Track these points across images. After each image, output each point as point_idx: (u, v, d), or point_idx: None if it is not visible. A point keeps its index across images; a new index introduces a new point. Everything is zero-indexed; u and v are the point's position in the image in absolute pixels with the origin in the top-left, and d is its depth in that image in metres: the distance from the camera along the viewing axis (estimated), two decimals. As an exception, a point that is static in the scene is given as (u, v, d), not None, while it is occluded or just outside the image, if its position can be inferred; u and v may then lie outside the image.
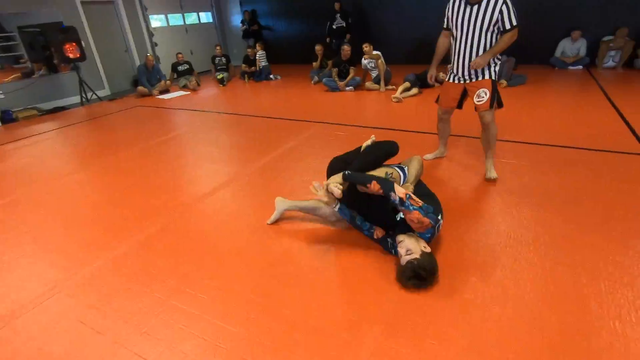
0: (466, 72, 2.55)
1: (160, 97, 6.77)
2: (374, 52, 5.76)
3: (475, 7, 2.33)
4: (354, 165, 2.12)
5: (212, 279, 1.88)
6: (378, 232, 1.97)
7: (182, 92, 7.00)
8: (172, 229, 2.37)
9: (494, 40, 2.39)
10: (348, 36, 7.40)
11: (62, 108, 6.41)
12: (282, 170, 3.15)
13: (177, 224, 2.42)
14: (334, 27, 7.53)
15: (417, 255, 1.69)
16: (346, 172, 1.91)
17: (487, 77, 2.50)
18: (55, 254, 2.22)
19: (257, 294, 1.76)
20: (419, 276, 1.65)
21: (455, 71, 2.63)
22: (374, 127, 4.13)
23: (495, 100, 2.53)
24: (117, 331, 1.61)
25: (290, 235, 2.23)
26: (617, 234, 2.00)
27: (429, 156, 3.19)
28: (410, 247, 1.74)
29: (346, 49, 5.98)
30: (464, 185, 2.67)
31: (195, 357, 1.46)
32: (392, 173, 2.02)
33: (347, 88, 5.98)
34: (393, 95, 5.20)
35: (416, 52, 7.80)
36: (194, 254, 2.10)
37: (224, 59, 7.81)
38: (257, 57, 7.53)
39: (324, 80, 6.18)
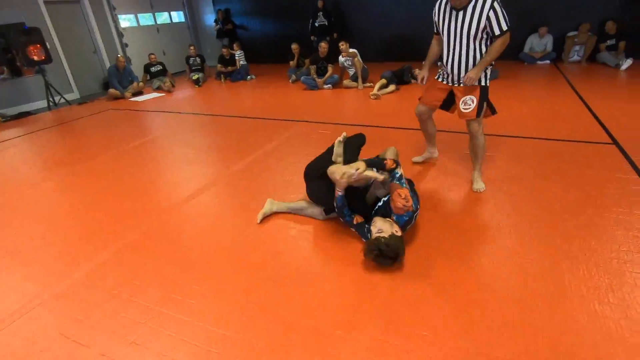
0: (455, 77, 2.37)
1: (133, 99, 6.56)
2: (351, 50, 5.79)
3: (461, 13, 2.16)
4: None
5: (200, 284, 1.85)
6: (358, 218, 2.02)
7: (156, 94, 6.81)
8: (153, 234, 2.31)
9: (483, 47, 2.23)
10: (335, 35, 7.37)
11: (28, 113, 6.09)
12: (264, 170, 3.12)
13: (158, 229, 2.36)
14: (317, 24, 7.52)
15: (386, 235, 1.78)
16: (368, 159, 2.05)
17: (475, 82, 2.30)
18: (30, 266, 2.11)
19: (248, 296, 1.74)
20: (382, 252, 1.72)
21: (444, 73, 2.47)
22: (354, 125, 4.15)
23: (486, 108, 2.39)
24: (103, 343, 1.55)
25: (277, 235, 2.22)
26: (591, 220, 2.10)
27: (417, 159, 3.03)
28: (382, 228, 1.83)
29: (324, 46, 5.99)
30: (450, 191, 2.59)
31: (188, 364, 1.43)
32: (358, 169, 2.04)
33: (326, 86, 5.99)
34: (371, 93, 5.24)
35: (391, 50, 7.90)
36: (178, 259, 2.05)
37: (198, 59, 7.65)
38: (236, 57, 7.43)
39: (302, 78, 6.16)
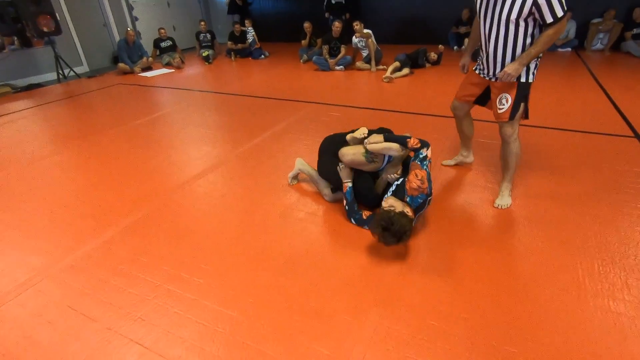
0: (491, 70, 2.02)
1: (143, 74, 6.49)
2: (365, 31, 5.62)
3: None
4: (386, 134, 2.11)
5: (208, 263, 1.84)
6: (366, 212, 1.98)
7: (165, 70, 6.73)
8: (160, 213, 2.30)
9: (528, 36, 1.81)
10: (348, 15, 7.16)
11: (38, 85, 6.07)
12: (274, 152, 3.07)
13: (166, 208, 2.34)
14: (333, 2, 7.29)
15: (396, 211, 1.73)
16: (386, 134, 1.99)
17: (513, 79, 1.93)
18: (38, 240, 2.12)
19: (255, 277, 1.73)
20: (389, 228, 1.64)
21: (481, 64, 2.11)
22: (367, 108, 4.06)
23: (521, 111, 2.00)
24: (110, 317, 1.56)
25: (285, 218, 2.19)
26: (608, 215, 2.04)
27: (448, 162, 2.67)
28: (394, 205, 1.78)
29: (337, 25, 5.81)
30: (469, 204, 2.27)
31: (194, 342, 1.43)
32: (367, 135, 2.00)
33: (338, 67, 5.85)
34: (384, 76, 5.11)
35: (405, 32, 7.68)
36: (186, 239, 2.04)
37: (208, 36, 7.51)
38: (248, 34, 7.30)
39: (314, 58, 6.02)
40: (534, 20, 1.77)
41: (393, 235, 1.65)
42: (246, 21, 7.48)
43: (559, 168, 2.55)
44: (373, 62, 5.70)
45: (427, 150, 1.91)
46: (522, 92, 1.95)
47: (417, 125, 3.50)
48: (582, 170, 2.50)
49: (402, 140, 1.93)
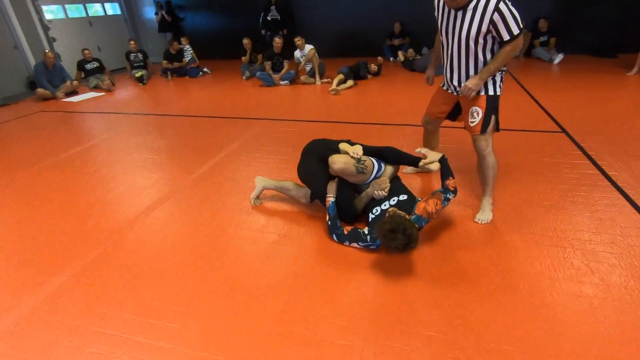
0: (455, 83, 2.04)
1: (67, 99, 5.88)
2: (307, 46, 5.69)
3: (460, 13, 1.81)
4: (391, 154, 2.14)
5: (178, 304, 1.65)
6: (347, 227, 1.93)
7: (93, 94, 6.17)
8: (113, 254, 2.04)
9: (487, 53, 1.85)
10: (285, 31, 7.19)
11: None
12: (232, 173, 2.92)
13: (119, 248, 2.09)
14: (269, 18, 7.28)
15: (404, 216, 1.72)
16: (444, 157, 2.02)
17: (482, 92, 1.95)
18: (-41, 302, 1.75)
19: (233, 311, 1.59)
20: (395, 229, 1.59)
21: (446, 80, 2.14)
22: (320, 121, 4.07)
23: (492, 123, 2.00)
24: (69, 387, 1.32)
25: (256, 244, 2.06)
26: (557, 206, 2.22)
27: (408, 170, 2.70)
28: (401, 214, 1.76)
29: (278, 41, 5.81)
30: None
31: (178, 399, 1.26)
32: (365, 161, 1.97)
33: (283, 82, 5.83)
34: (330, 88, 5.19)
35: (342, 45, 7.92)
36: (147, 280, 1.82)
37: (140, 55, 7.08)
38: (185, 52, 7.02)
39: (257, 74, 5.94)
40: (493, 37, 1.80)
41: (405, 236, 1.57)
42: (182, 39, 7.19)
43: (509, 167, 2.74)
44: (317, 76, 5.78)
45: (453, 197, 1.96)
46: (492, 105, 1.97)
47: (372, 134, 3.57)
48: (528, 166, 2.72)
49: (446, 177, 1.98)
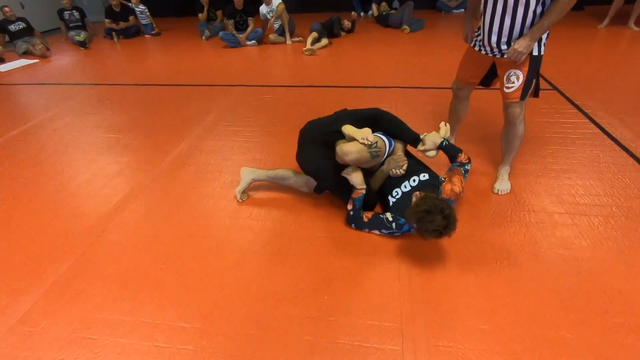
0: (494, 43, 1.77)
1: (-7, 69, 4.99)
2: (275, 0, 5.13)
3: None
4: (387, 125, 1.90)
5: (185, 319, 1.40)
6: (367, 214, 1.73)
7: (25, 61, 5.27)
8: (88, 263, 1.71)
9: (539, 3, 1.60)
10: None
11: None
12: (213, 153, 2.57)
13: (92, 256, 1.75)
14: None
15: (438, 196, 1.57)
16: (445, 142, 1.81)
17: (523, 58, 1.72)
18: None
19: (251, 329, 1.37)
20: (431, 211, 1.40)
21: (482, 38, 1.84)
22: (299, 86, 3.72)
23: (532, 88, 1.81)
24: None
25: (251, 240, 1.82)
26: (557, 168, 2.15)
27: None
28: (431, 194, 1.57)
29: (238, -5, 5.18)
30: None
31: None
32: (376, 143, 1.72)
33: (249, 42, 5.28)
34: (304, 48, 4.77)
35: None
36: (138, 292, 1.54)
37: (76, 13, 6.10)
38: (137, 11, 6.14)
39: (220, 34, 5.33)
40: None
41: (443, 217, 1.39)
42: None
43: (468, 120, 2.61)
44: (288, 34, 5.29)
45: (470, 166, 1.80)
46: (535, 68, 1.74)
47: (358, 99, 3.30)
48: (530, 128, 2.58)
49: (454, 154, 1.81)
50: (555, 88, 3.24)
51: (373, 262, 1.60)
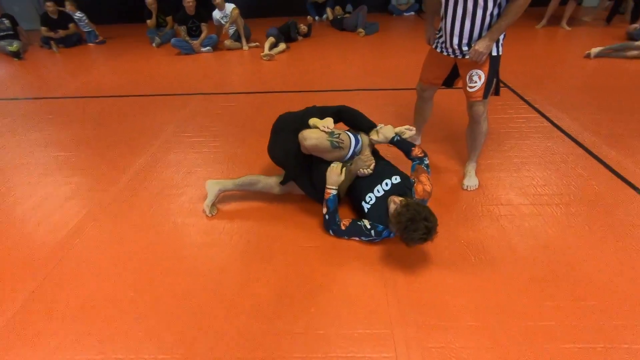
0: (455, 45, 1.84)
1: None
2: (229, 5, 5.01)
3: None
4: (347, 115, 1.94)
5: (168, 349, 1.29)
6: (344, 222, 1.71)
7: (-53, 75, 4.71)
8: (45, 298, 1.54)
9: (496, 5, 1.68)
10: None
11: None
12: (176, 167, 2.44)
13: (50, 289, 1.58)
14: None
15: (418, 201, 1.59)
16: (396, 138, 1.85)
17: (484, 58, 1.78)
18: None
19: (231, 346, 1.30)
20: (414, 219, 1.42)
21: (444, 40, 1.89)
22: (259, 92, 3.64)
23: (494, 86, 1.88)
24: None
25: (224, 258, 1.74)
26: (517, 161, 2.28)
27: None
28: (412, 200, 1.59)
29: (188, 1, 4.98)
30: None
31: None
32: (339, 134, 1.73)
33: (204, 49, 5.11)
34: (262, 53, 4.69)
35: (263, 4, 7.23)
36: (104, 327, 1.41)
37: (6, 21, 5.57)
38: (80, 21, 5.72)
39: (172, 41, 5.09)
40: None
41: (427, 223, 1.41)
42: (67, 2, 5.77)
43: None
44: (244, 40, 5.18)
45: (428, 160, 1.83)
46: (494, 67, 1.83)
47: (323, 102, 3.28)
48: (440, 117, 2.72)
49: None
50: (506, 85, 3.43)
51: (356, 270, 1.58)
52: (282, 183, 1.95)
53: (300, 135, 1.69)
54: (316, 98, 3.43)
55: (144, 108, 3.39)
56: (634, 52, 4.01)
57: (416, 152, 1.83)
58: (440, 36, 1.94)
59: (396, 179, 1.76)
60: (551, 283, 1.47)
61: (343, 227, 1.69)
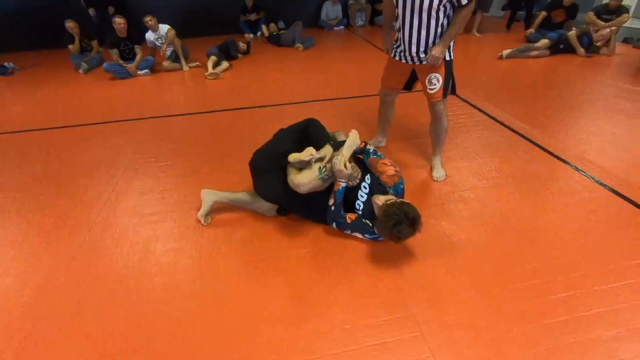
0: (414, 53, 2.05)
1: None
2: (163, 26, 4.87)
3: None
4: (313, 131, 1.94)
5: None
6: (350, 215, 1.79)
7: None
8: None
9: (445, 17, 1.93)
10: (112, 9, 5.86)
11: None
12: (147, 193, 2.33)
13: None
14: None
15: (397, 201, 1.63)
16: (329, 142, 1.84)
17: (440, 61, 2.02)
18: None
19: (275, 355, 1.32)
20: (400, 221, 1.51)
21: (403, 50, 2.10)
22: (213, 111, 3.59)
23: (450, 86, 2.14)
24: None
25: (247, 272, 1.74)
26: (471, 150, 2.60)
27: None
28: (389, 198, 1.68)
29: (120, 22, 4.71)
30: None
31: None
32: (325, 168, 1.73)
33: (141, 72, 4.87)
34: (207, 73, 4.62)
35: (195, 23, 7.08)
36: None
37: None
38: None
39: (104, 66, 4.76)
40: (450, 3, 1.89)
41: (411, 223, 1.52)
42: None
43: (419, 124, 3.02)
44: (183, 60, 5.05)
45: (369, 145, 1.90)
46: (449, 70, 2.09)
47: (279, 117, 3.36)
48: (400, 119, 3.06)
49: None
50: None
51: (361, 266, 1.68)
52: (280, 213, 1.99)
53: (291, 184, 1.70)
54: (272, 112, 3.50)
55: (89, 138, 3.13)
56: (536, 52, 4.76)
57: (361, 147, 1.88)
58: (399, 46, 2.15)
59: (369, 179, 1.86)
60: (526, 247, 1.72)
61: (348, 221, 1.76)
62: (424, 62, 2.07)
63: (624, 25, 4.98)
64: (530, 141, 2.70)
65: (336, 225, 1.81)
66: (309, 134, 1.96)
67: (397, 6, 1.99)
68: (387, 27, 2.28)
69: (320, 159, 1.73)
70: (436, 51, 1.97)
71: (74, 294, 1.60)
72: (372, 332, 1.37)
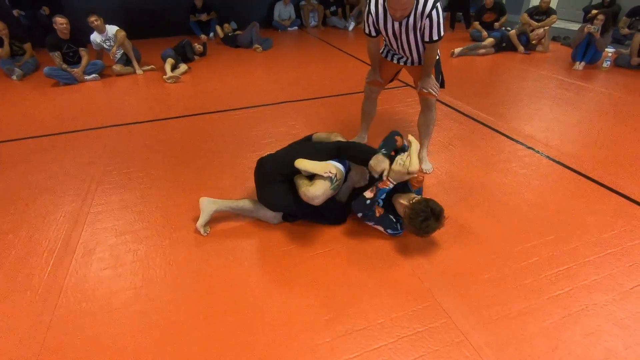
0: (408, 59, 2.28)
1: None
2: (111, 27, 4.52)
3: (404, 23, 2.02)
4: (351, 155, 1.85)
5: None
6: (379, 209, 1.78)
7: None
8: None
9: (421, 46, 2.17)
10: (47, 9, 5.29)
11: None
12: (129, 207, 2.16)
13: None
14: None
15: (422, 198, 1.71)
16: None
17: (435, 88, 2.27)
18: None
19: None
20: (428, 217, 1.60)
21: (401, 56, 2.30)
22: (177, 117, 3.41)
23: (440, 81, 2.34)
24: None
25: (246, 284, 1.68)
26: (458, 144, 2.77)
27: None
28: (412, 196, 1.76)
29: (61, 21, 4.25)
30: None
31: None
32: (336, 175, 1.72)
33: (89, 77, 4.47)
34: (165, 76, 4.37)
35: (141, 24, 6.64)
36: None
37: None
38: None
39: (46, 71, 4.28)
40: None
41: (437, 218, 1.62)
42: None
43: (408, 122, 3.14)
44: (136, 64, 4.72)
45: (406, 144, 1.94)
46: (438, 69, 2.28)
47: (256, 120, 3.29)
48: (382, 115, 3.20)
49: (392, 145, 1.85)
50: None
51: (377, 261, 1.71)
52: (285, 220, 1.95)
53: (304, 197, 1.67)
54: (246, 115, 3.41)
55: (45, 151, 2.82)
56: (483, 50, 5.16)
57: (400, 141, 1.91)
58: (395, 53, 2.30)
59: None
60: (519, 228, 1.87)
61: (377, 214, 1.76)
62: (415, 64, 2.27)
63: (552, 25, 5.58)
64: (496, 130, 2.93)
65: (362, 215, 1.79)
66: (341, 156, 1.86)
67: (387, 37, 2.17)
68: (377, 63, 2.42)
69: (333, 180, 1.70)
70: (429, 84, 2.24)
71: None
72: (404, 323, 1.40)
